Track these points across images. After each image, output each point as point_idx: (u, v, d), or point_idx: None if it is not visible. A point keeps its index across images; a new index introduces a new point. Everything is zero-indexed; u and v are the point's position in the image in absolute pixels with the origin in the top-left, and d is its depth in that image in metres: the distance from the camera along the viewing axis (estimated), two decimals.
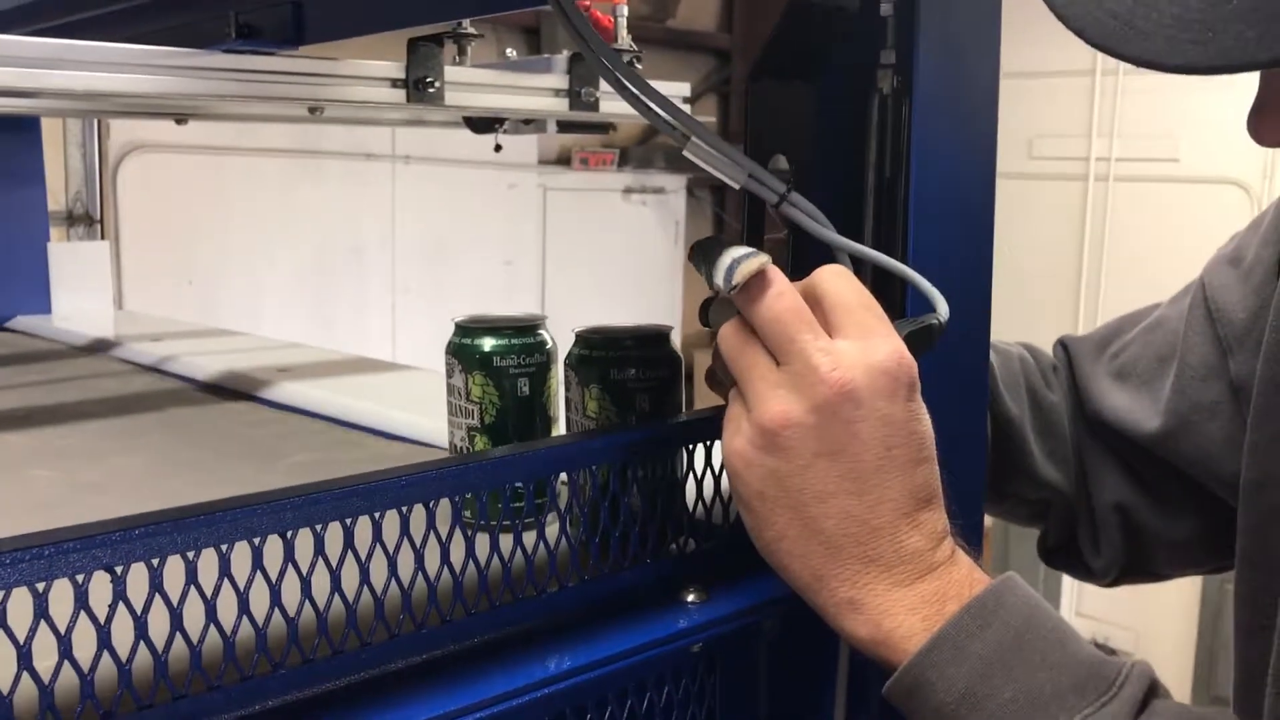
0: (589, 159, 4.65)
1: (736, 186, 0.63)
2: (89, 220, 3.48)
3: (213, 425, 1.18)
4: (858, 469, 0.58)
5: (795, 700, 0.72)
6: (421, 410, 1.14)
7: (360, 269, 4.27)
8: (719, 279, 0.59)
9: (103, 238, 3.45)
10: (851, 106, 0.67)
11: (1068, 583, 4.26)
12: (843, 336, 0.59)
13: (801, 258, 0.69)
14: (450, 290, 4.46)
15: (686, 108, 1.25)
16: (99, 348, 1.55)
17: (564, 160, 4.70)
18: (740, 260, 0.58)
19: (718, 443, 0.70)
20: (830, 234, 0.63)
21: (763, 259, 0.58)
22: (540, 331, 0.76)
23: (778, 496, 0.59)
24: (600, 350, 0.74)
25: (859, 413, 0.57)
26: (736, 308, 0.60)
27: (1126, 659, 0.60)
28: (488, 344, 0.74)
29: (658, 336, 0.75)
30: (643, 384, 0.73)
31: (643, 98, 0.62)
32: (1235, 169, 4.13)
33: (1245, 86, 0.58)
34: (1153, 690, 0.59)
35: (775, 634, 0.69)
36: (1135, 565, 0.96)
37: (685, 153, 0.62)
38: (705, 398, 0.70)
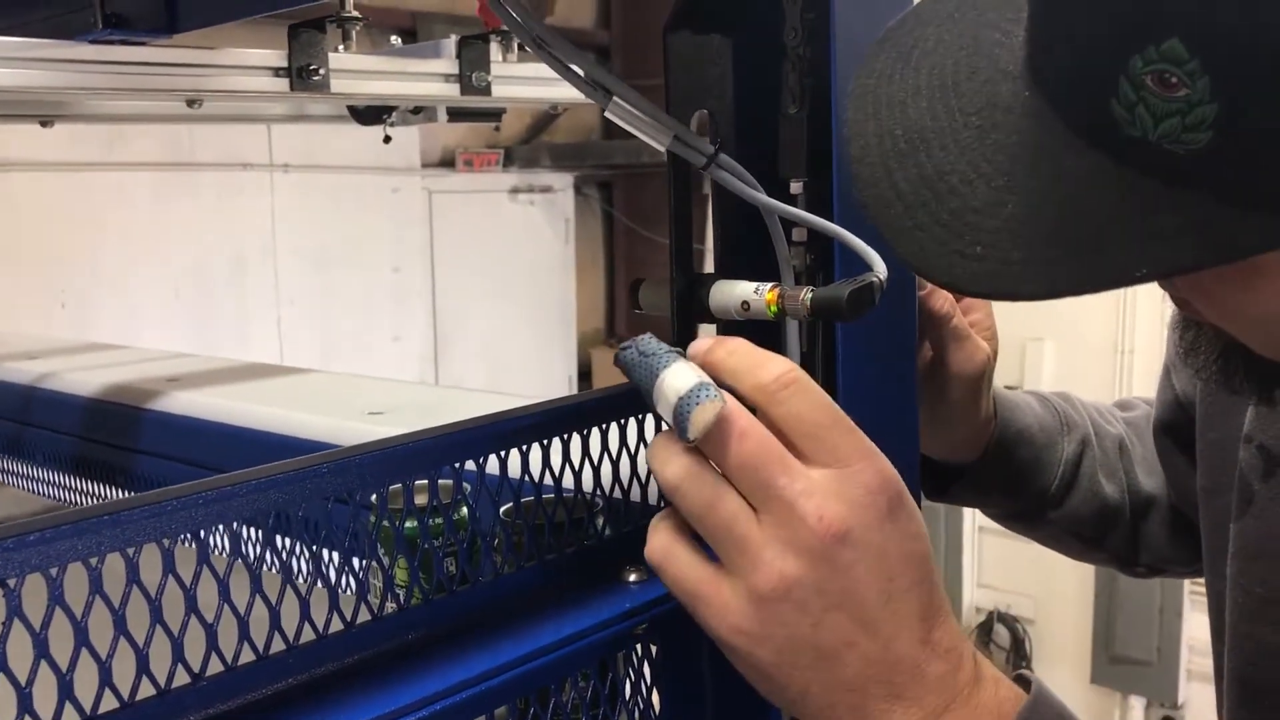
0: (473, 160, 4.59)
1: (662, 149, 0.60)
2: None
3: None
4: (866, 610, 0.54)
5: (740, 679, 0.69)
6: (327, 412, 1.09)
7: (242, 284, 4.14)
8: (668, 420, 0.53)
9: None
10: (772, 58, 0.65)
11: (968, 554, 4.34)
12: (816, 465, 0.53)
13: (727, 217, 0.67)
14: (338, 300, 4.36)
15: None
16: None
17: (448, 162, 4.63)
18: (690, 402, 0.51)
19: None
20: (760, 196, 0.61)
21: (716, 404, 0.51)
22: None
23: (794, 661, 0.54)
24: None
25: (855, 554, 0.53)
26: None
27: None
28: None
29: None
30: None
31: (559, 56, 0.59)
32: None
33: None
34: None
35: None
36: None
37: (608, 114, 0.59)
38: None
